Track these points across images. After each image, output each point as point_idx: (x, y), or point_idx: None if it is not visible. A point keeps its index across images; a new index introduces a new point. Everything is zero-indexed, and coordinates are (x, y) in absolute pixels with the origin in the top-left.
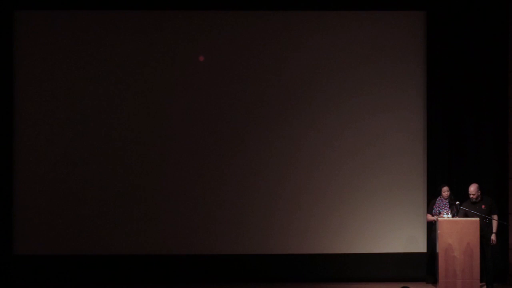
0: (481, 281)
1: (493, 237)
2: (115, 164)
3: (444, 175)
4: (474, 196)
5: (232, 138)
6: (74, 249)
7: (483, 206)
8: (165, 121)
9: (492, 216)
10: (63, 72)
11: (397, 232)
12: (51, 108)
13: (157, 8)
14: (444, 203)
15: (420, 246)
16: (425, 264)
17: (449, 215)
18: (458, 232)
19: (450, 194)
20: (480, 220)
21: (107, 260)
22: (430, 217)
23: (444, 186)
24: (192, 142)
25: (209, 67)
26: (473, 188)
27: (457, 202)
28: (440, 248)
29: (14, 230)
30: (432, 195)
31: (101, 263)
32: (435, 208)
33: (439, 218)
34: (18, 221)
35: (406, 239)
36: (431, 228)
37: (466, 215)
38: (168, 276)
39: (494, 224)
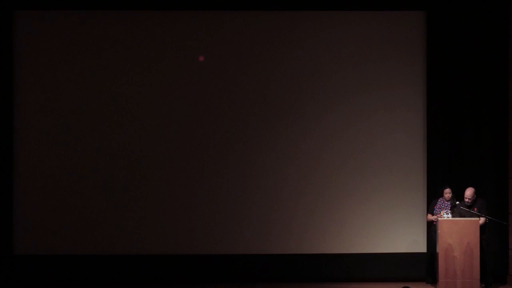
0: (481, 281)
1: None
2: (115, 164)
3: (444, 175)
4: (470, 201)
5: (232, 138)
6: (74, 249)
7: (475, 209)
8: (165, 121)
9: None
10: (63, 72)
11: (397, 232)
12: (51, 108)
13: (157, 8)
14: (446, 204)
15: (420, 246)
16: (425, 264)
17: (449, 215)
18: (458, 232)
19: (452, 196)
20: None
21: (107, 260)
22: (430, 217)
23: (447, 188)
24: (192, 142)
25: (209, 67)
26: (469, 193)
27: (457, 202)
28: (440, 248)
29: (14, 230)
30: (432, 195)
31: (101, 263)
32: (436, 209)
33: (439, 218)
34: (18, 221)
35: (406, 239)
36: (431, 228)
37: (461, 215)
38: (168, 276)
39: (482, 219)
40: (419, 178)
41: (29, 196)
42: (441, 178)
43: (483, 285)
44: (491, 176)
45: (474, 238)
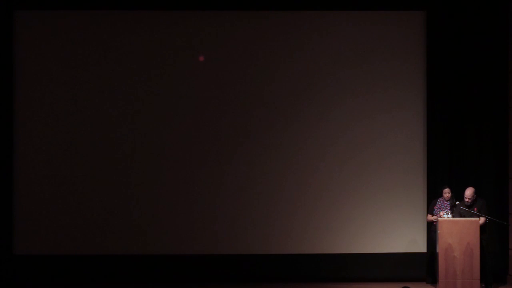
0: (481, 281)
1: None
2: (115, 164)
3: (444, 175)
4: (470, 200)
5: (232, 138)
6: (74, 249)
7: (475, 209)
8: (165, 121)
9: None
10: (63, 72)
11: (397, 232)
12: (51, 108)
13: (157, 8)
14: (445, 204)
15: (420, 246)
16: (425, 264)
17: (449, 215)
18: (458, 232)
19: (451, 196)
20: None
21: (107, 260)
22: (430, 217)
23: (446, 188)
24: (192, 142)
25: (209, 67)
26: (469, 193)
27: (457, 202)
28: (440, 248)
29: (14, 230)
30: (432, 195)
31: (101, 263)
32: (435, 209)
33: (439, 218)
34: (18, 221)
35: (406, 239)
36: (431, 228)
37: (461, 215)
38: (168, 276)
39: (482, 219)
40: (419, 178)
41: (29, 196)
42: (441, 178)
43: (483, 285)
44: (491, 176)
45: (474, 238)
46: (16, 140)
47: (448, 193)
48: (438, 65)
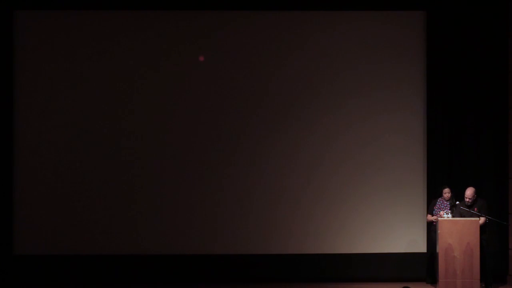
0: (481, 281)
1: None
2: (115, 164)
3: (444, 175)
4: (470, 200)
5: (232, 138)
6: (74, 249)
7: (475, 209)
8: (164, 121)
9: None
10: (63, 72)
11: (397, 232)
12: (51, 108)
13: (157, 8)
14: (445, 204)
15: (420, 246)
16: (425, 264)
17: (449, 215)
18: (458, 232)
19: (451, 196)
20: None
21: (107, 260)
22: (430, 217)
23: (446, 188)
24: (192, 142)
25: (209, 67)
26: (469, 192)
27: (457, 202)
28: (440, 248)
29: (14, 230)
30: (432, 195)
31: (101, 263)
32: (435, 209)
33: (439, 218)
34: (18, 221)
35: (406, 239)
36: (431, 228)
37: (461, 215)
38: (168, 276)
39: (482, 219)
40: (419, 178)
41: (29, 196)
42: (441, 178)
43: (483, 285)
44: (491, 176)
45: (474, 238)
46: (16, 140)
47: (448, 193)
48: (438, 65)
